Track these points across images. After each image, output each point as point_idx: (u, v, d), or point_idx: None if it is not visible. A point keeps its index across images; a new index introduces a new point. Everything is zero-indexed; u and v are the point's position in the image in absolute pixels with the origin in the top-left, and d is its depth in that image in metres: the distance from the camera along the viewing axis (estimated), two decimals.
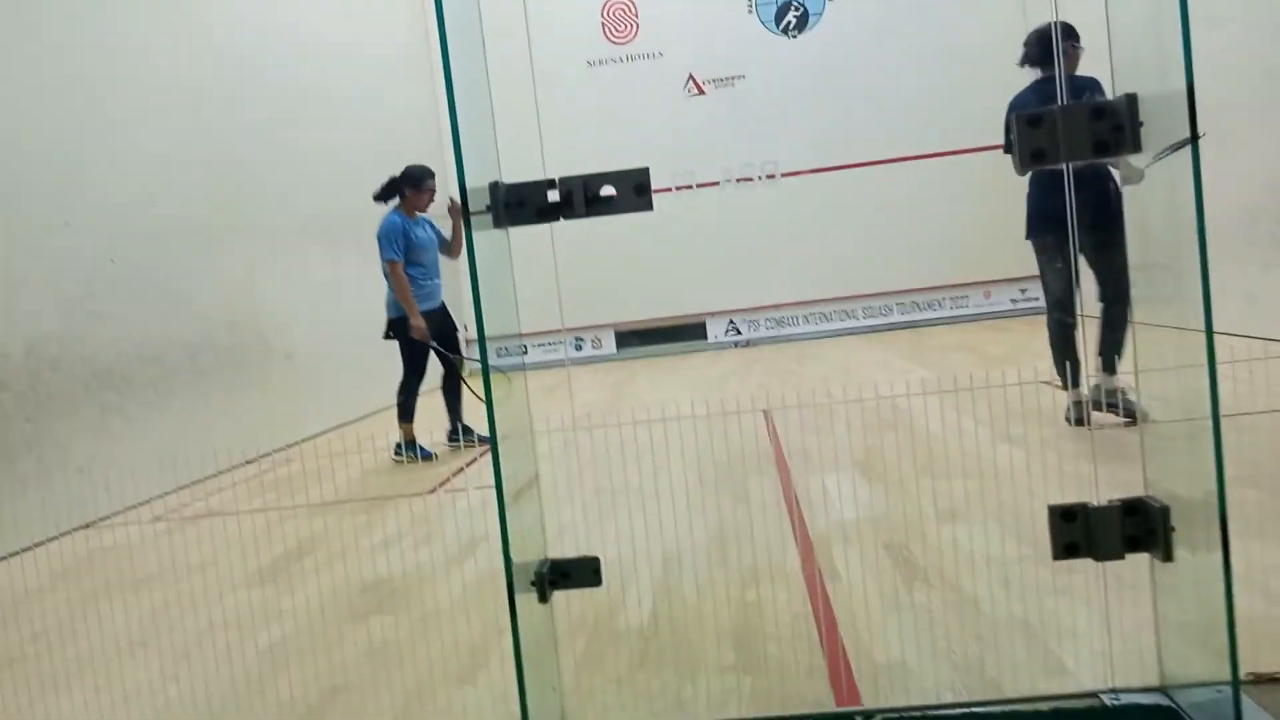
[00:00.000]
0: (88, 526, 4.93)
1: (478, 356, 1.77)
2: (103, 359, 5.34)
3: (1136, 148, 1.70)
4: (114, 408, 5.39)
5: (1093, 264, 4.61)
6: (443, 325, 5.92)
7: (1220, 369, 1.66)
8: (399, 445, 5.89)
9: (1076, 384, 4.54)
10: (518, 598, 1.80)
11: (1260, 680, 1.90)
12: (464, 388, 6.05)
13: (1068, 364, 4.60)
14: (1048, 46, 4.45)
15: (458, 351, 6.06)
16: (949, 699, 2.01)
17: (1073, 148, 1.73)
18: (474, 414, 5.78)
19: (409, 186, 5.78)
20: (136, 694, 2.56)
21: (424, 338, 5.66)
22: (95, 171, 5.46)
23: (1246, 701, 1.73)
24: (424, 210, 5.88)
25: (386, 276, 5.76)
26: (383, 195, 5.84)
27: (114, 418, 5.37)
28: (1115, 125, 1.71)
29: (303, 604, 3.20)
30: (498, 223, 1.86)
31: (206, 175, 6.62)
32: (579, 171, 1.87)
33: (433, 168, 5.93)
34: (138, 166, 5.86)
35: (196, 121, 6.55)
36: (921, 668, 2.17)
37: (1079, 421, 4.48)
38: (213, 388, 6.38)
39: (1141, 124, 1.69)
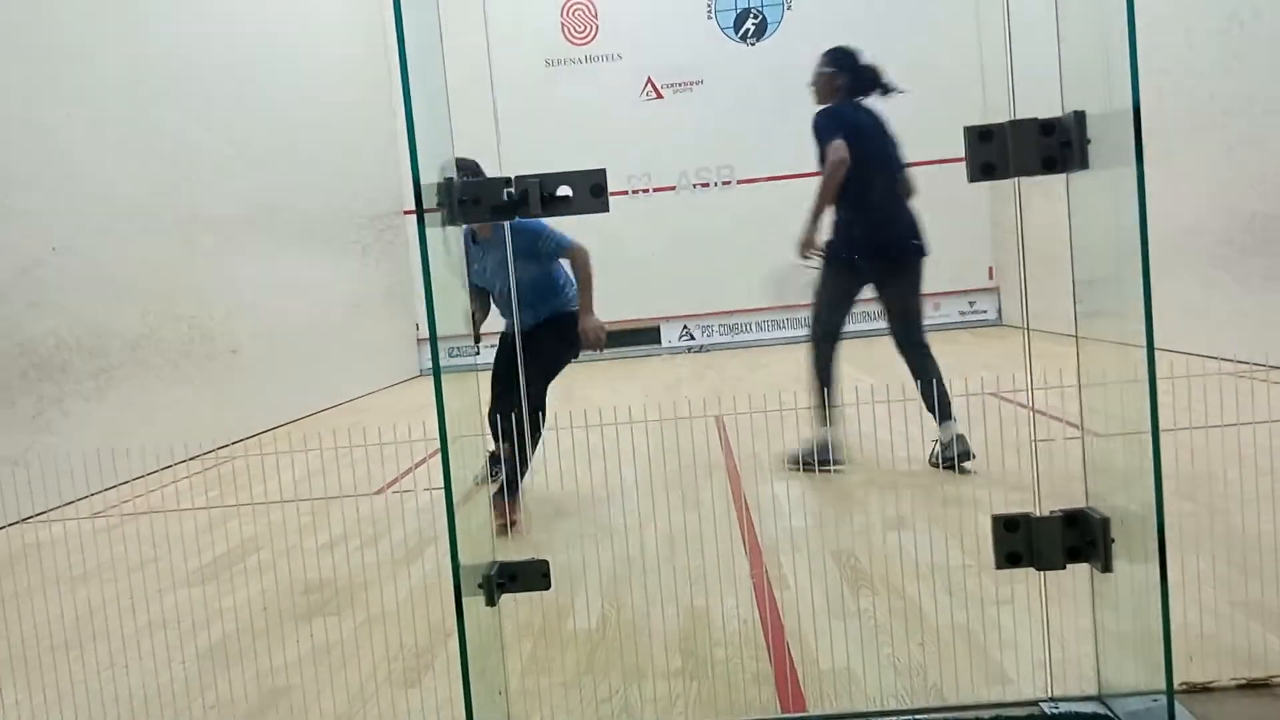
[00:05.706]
0: (22, 522, 4.80)
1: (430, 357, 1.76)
2: (41, 349, 5.20)
3: (1084, 164, 1.73)
4: (52, 399, 5.25)
5: (889, 304, 4.60)
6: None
7: (1160, 384, 1.70)
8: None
9: (833, 420, 4.39)
10: (465, 600, 1.78)
11: (1194, 689, 1.95)
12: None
13: (826, 396, 4.38)
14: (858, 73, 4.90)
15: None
16: (892, 705, 2.03)
17: (1021, 162, 1.76)
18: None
19: None
20: (70, 694, 2.50)
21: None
22: (39, 158, 5.32)
23: (1181, 710, 1.77)
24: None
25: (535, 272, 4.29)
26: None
27: (51, 410, 5.24)
28: (1064, 141, 1.74)
29: (244, 604, 3.15)
30: (452, 220, 1.84)
31: (154, 166, 6.49)
32: (535, 171, 1.86)
33: (387, 164, 5.84)
34: (84, 154, 5.72)
35: (146, 112, 6.42)
36: (866, 674, 2.19)
37: (808, 465, 4.30)
38: (155, 381, 6.25)
39: (1090, 140, 1.72)
